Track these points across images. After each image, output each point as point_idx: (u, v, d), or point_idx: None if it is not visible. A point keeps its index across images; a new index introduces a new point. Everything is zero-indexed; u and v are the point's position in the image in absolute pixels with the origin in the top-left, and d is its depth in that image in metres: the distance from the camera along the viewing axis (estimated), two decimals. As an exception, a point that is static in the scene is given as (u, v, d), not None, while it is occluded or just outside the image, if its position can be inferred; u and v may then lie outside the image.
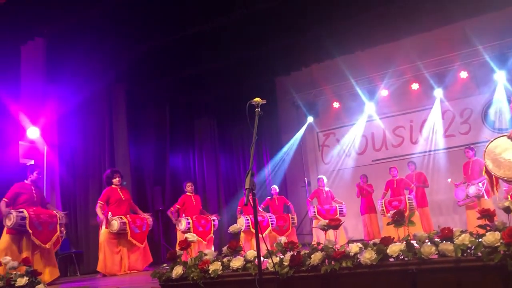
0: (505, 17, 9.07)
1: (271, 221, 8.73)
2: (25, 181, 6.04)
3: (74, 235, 7.80)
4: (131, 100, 9.15)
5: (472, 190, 7.80)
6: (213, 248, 7.39)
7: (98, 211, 6.78)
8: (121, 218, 6.72)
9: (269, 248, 3.48)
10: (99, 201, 6.87)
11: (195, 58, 8.95)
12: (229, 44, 8.57)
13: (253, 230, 8.01)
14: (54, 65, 8.06)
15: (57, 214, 6.06)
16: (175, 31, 7.95)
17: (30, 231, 5.60)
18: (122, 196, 7.02)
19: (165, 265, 3.98)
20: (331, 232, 3.98)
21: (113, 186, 7.05)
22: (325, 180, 9.84)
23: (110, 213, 6.74)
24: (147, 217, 7.20)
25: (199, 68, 9.27)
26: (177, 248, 3.99)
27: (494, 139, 3.93)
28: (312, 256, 3.30)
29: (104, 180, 7.13)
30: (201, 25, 7.82)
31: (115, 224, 6.64)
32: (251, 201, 2.93)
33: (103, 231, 6.79)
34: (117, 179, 7.10)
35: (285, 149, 12.11)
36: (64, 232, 6.89)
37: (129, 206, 7.15)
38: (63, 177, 8.08)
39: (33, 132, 7.69)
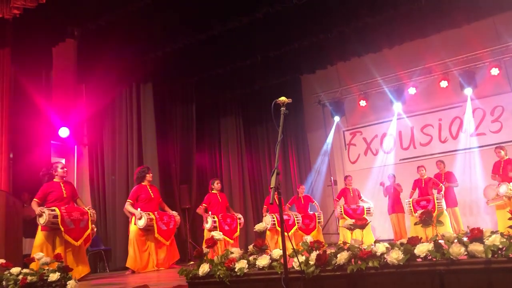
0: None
1: (297, 220, 8.73)
2: (54, 179, 6.17)
3: (103, 232, 7.97)
4: (158, 99, 9.28)
5: (502, 189, 7.62)
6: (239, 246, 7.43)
7: (130, 208, 6.90)
8: (148, 214, 6.82)
9: (295, 247, 3.48)
10: (128, 200, 6.99)
11: (221, 57, 9.01)
12: (254, 42, 8.60)
13: (279, 229, 8.02)
14: (84, 66, 8.26)
15: (88, 211, 6.19)
16: (202, 31, 8.02)
17: (62, 228, 5.75)
18: (152, 194, 7.12)
19: (192, 262, 4.03)
20: (358, 231, 3.96)
21: (143, 183, 7.15)
22: (352, 179, 9.76)
23: (139, 209, 6.84)
24: (175, 215, 7.29)
25: (225, 67, 9.34)
26: (204, 246, 4.03)
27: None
28: (338, 255, 3.29)
29: (136, 176, 7.23)
30: (227, 24, 7.87)
31: (143, 220, 6.74)
32: (276, 200, 2.94)
33: (132, 227, 6.91)
34: (151, 175, 7.22)
35: (316, 154, 12.06)
36: (95, 229, 7.07)
37: (158, 204, 7.24)
38: (92, 176, 8.26)
39: (64, 132, 7.90)
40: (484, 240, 2.90)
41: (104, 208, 8.14)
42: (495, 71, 9.82)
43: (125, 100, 8.65)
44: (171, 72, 9.36)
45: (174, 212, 7.39)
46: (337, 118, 11.92)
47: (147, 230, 6.87)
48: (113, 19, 7.47)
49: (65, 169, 6.32)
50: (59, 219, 5.75)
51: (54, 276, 4.11)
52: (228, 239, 7.49)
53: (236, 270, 3.60)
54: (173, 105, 9.83)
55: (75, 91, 8.38)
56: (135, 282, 5.41)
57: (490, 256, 2.79)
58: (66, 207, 5.94)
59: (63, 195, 6.09)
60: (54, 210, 5.77)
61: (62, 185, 6.19)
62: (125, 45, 7.96)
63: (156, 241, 6.93)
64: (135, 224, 6.85)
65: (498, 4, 7.56)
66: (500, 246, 2.81)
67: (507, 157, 7.93)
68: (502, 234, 2.91)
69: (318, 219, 9.26)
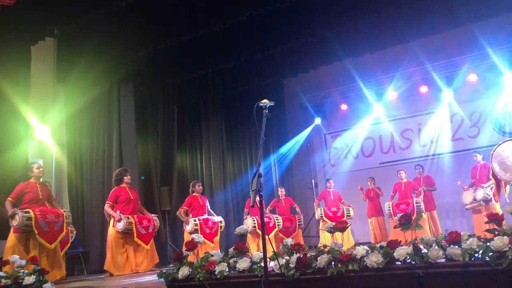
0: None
1: (277, 222, 8.73)
2: (30, 179, 6.05)
3: (81, 234, 7.84)
4: (140, 100, 9.19)
5: (479, 194, 7.76)
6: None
7: (109, 211, 6.81)
8: (127, 217, 6.74)
9: (276, 249, 3.48)
10: (108, 202, 6.90)
11: (204, 59, 8.97)
12: (237, 45, 8.59)
13: (260, 231, 8.01)
14: (64, 65, 8.13)
15: (63, 213, 6.08)
16: (185, 32, 7.98)
17: (36, 231, 5.62)
18: (131, 196, 7.04)
19: (171, 265, 4.00)
20: (338, 234, 3.97)
21: (122, 185, 7.07)
22: (333, 182, 9.81)
23: (118, 211, 6.76)
24: (154, 218, 7.22)
25: (207, 69, 9.29)
26: (184, 249, 4.00)
27: (502, 142, 3.92)
28: (318, 258, 3.29)
29: (114, 178, 7.15)
30: (211, 26, 7.84)
31: (122, 223, 6.66)
32: (257, 203, 2.94)
33: (110, 230, 6.82)
34: (129, 177, 7.14)
35: (289, 144, 12.08)
36: (75, 231, 6.96)
37: (137, 205, 7.18)
38: (71, 177, 8.13)
39: (42, 132, 7.75)
40: (461, 244, 2.94)
41: (82, 210, 8.01)
42: (473, 77, 10.02)
43: (105, 100, 8.54)
44: (152, 73, 9.28)
45: (153, 215, 7.32)
46: (317, 120, 12.00)
47: (125, 233, 6.78)
48: (94, 18, 7.37)
49: (42, 169, 6.19)
50: (33, 221, 5.61)
51: (29, 279, 4.03)
52: (208, 242, 7.45)
53: (216, 273, 3.58)
54: (154, 106, 9.75)
55: (54, 90, 8.24)
56: (113, 285, 5.35)
57: (467, 259, 2.84)
58: (40, 209, 5.80)
59: (38, 196, 5.97)
60: (28, 212, 5.63)
61: (38, 185, 6.06)
62: (106, 45, 7.86)
63: (135, 244, 6.85)
64: (113, 226, 6.76)
65: (477, 12, 7.70)
66: (477, 250, 2.86)
67: (484, 161, 8.08)
68: (479, 238, 2.96)
69: (299, 221, 9.28)
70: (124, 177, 7.09)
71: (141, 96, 9.29)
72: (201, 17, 7.74)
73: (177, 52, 8.75)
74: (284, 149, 12.07)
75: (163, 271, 3.91)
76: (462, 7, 7.61)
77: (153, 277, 5.07)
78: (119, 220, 6.68)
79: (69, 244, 6.50)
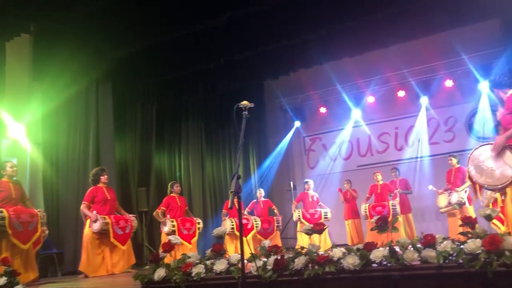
0: (488, 28, 9.22)
1: (255, 224, 8.73)
2: (3, 178, 5.91)
3: (55, 235, 7.68)
4: (118, 99, 9.07)
5: (454, 197, 7.90)
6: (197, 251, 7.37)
7: (85, 211, 6.71)
8: (104, 218, 6.65)
9: (253, 251, 3.48)
10: (84, 202, 6.79)
11: (184, 60, 8.91)
12: (217, 46, 8.57)
13: (238, 233, 8.00)
14: (40, 63, 7.96)
15: (38, 213, 5.96)
16: (165, 32, 7.92)
17: (10, 231, 5.49)
18: (108, 196, 6.96)
19: (147, 267, 3.96)
20: (315, 236, 3.99)
21: (99, 185, 6.98)
22: (312, 184, 9.86)
23: (94, 212, 6.67)
24: (132, 219, 7.14)
25: (187, 70, 9.24)
26: (161, 250, 3.97)
27: (479, 146, 3.99)
28: (295, 260, 3.31)
29: (91, 178, 7.05)
30: (191, 26, 7.81)
31: (98, 223, 6.57)
32: (236, 204, 2.93)
33: (86, 230, 6.71)
34: (105, 176, 7.05)
35: (274, 154, 12.15)
36: (47, 231, 6.82)
37: (114, 206, 7.10)
38: (46, 176, 7.97)
39: (17, 130, 7.59)
40: (436, 246, 2.99)
41: (57, 210, 7.85)
42: (449, 83, 10.23)
43: (83, 99, 8.40)
44: (131, 72, 9.17)
45: (131, 215, 7.24)
46: (297, 123, 12.09)
47: (102, 234, 6.69)
48: (72, 15, 7.25)
49: (15, 169, 6.05)
50: (6, 222, 5.47)
51: (0, 281, 3.93)
52: (186, 243, 7.40)
53: (193, 275, 3.56)
54: (133, 106, 9.64)
55: (30, 88, 8.06)
56: (87, 286, 5.26)
57: (441, 261, 2.88)
58: (14, 209, 5.67)
59: (11, 195, 5.84)
60: (1, 212, 5.50)
61: (11, 185, 5.93)
62: (84, 43, 7.73)
63: (111, 245, 6.76)
64: (89, 227, 6.66)
65: (454, 19, 7.86)
66: (451, 252, 2.91)
67: (458, 165, 8.24)
68: (453, 240, 3.02)
69: (277, 223, 9.30)
70: (101, 177, 7.01)
71: (119, 96, 9.17)
72: (181, 17, 7.69)
73: (157, 52, 8.67)
74: (268, 161, 12.10)
75: (139, 272, 3.87)
76: (438, 15, 7.77)
77: (129, 279, 5.01)
78: (95, 221, 6.59)
79: (41, 244, 6.36)
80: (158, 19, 7.73)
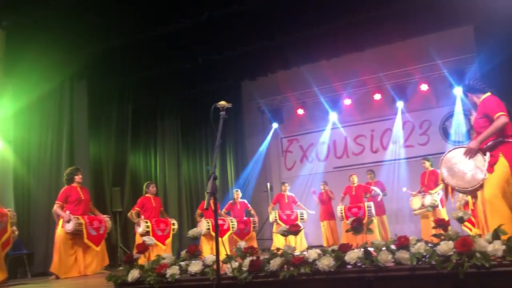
0: (462, 34, 9.43)
1: (231, 225, 8.70)
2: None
3: (26, 235, 7.49)
4: (93, 97, 8.91)
5: (427, 200, 8.03)
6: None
7: (58, 211, 6.57)
8: (77, 218, 6.52)
9: (229, 252, 3.46)
10: (57, 202, 6.65)
11: (161, 58, 8.83)
12: (196, 46, 8.52)
13: (214, 234, 7.95)
14: (13, 57, 7.75)
15: (8, 213, 5.81)
16: (142, 30, 7.83)
17: (-22, 231, 5.34)
18: (82, 196, 6.83)
19: (121, 268, 3.90)
20: (291, 237, 4.00)
21: (73, 184, 6.85)
22: (288, 185, 9.89)
23: (68, 212, 6.54)
24: (106, 219, 7.03)
25: (165, 69, 9.15)
26: (135, 251, 3.91)
27: (452, 149, 4.06)
28: (271, 261, 3.30)
29: (65, 177, 6.90)
30: (169, 25, 7.74)
31: (71, 224, 6.44)
32: (212, 205, 2.91)
33: (59, 230, 6.57)
34: (80, 176, 6.92)
35: (255, 157, 12.16)
36: (17, 232, 6.64)
37: (88, 206, 6.98)
38: (17, 174, 7.77)
39: (-13, 127, 7.38)
40: (409, 248, 3.02)
41: (28, 209, 7.66)
42: (424, 87, 10.42)
43: (57, 96, 8.22)
44: (107, 70, 9.02)
45: (105, 216, 7.13)
46: (275, 125, 12.12)
47: (75, 234, 6.56)
48: (47, 11, 7.09)
49: None
50: (-25, 222, 5.33)
51: (-33, 283, 3.80)
52: (160, 244, 7.33)
53: (167, 276, 3.52)
54: (108, 104, 9.48)
55: (1, 84, 7.85)
56: (59, 288, 5.15)
57: (415, 263, 2.92)
58: (-17, 209, 5.52)
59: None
60: (-30, 212, 5.35)
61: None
62: (59, 39, 7.57)
63: (84, 245, 6.64)
64: (62, 227, 6.52)
65: (430, 25, 8.02)
66: (424, 254, 2.95)
67: (432, 168, 8.38)
68: (426, 242, 3.06)
69: (253, 224, 9.29)
70: (75, 177, 6.88)
71: (95, 93, 9.01)
72: (159, 15, 7.62)
73: (134, 50, 8.57)
74: (249, 167, 12.12)
75: (113, 273, 3.80)
76: (413, 20, 7.90)
77: (102, 280, 4.92)
78: (69, 221, 6.46)
79: (10, 245, 6.19)
80: (136, 16, 7.64)
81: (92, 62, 8.44)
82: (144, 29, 7.81)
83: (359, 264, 3.08)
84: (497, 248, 2.78)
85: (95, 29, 7.70)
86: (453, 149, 4.05)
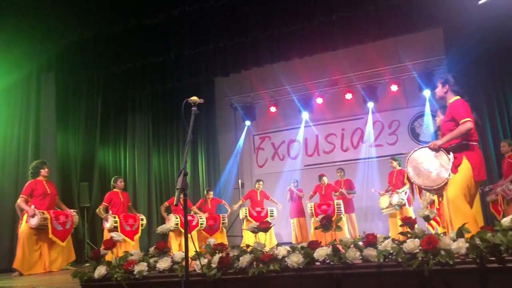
0: (432, 37, 9.65)
1: (201, 221, 8.66)
2: None
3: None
4: (62, 90, 8.70)
5: (395, 199, 8.19)
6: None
7: (23, 205, 6.39)
8: (42, 213, 6.36)
9: (198, 249, 3.44)
10: (22, 196, 6.47)
11: (133, 52, 8.67)
12: (168, 40, 8.40)
13: (182, 230, 7.90)
14: (-23, 47, 7.50)
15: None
16: (114, 22, 7.68)
17: None
18: (48, 190, 6.67)
19: (87, 264, 3.82)
20: (261, 234, 4.00)
21: (39, 178, 6.68)
22: (262, 183, 9.89)
23: (32, 206, 6.37)
24: (73, 214, 6.88)
25: (136, 62, 8.99)
26: (102, 247, 3.84)
27: (418, 149, 4.14)
28: (240, 258, 3.30)
29: (31, 171, 6.73)
30: (142, 19, 7.61)
31: (36, 218, 6.28)
32: (181, 201, 2.88)
33: (23, 226, 6.39)
34: (46, 169, 6.75)
35: (225, 157, 12.15)
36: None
37: (54, 200, 6.82)
38: (-21, 168, 7.53)
39: None
40: (377, 245, 3.07)
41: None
42: (394, 88, 10.62)
43: (24, 88, 7.99)
44: (77, 62, 8.81)
45: (72, 210, 6.98)
46: (247, 122, 12.12)
47: (40, 230, 6.40)
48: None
49: None
50: None
51: None
52: (128, 240, 7.23)
53: (135, 272, 3.47)
54: (77, 97, 9.26)
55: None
56: (22, 285, 5.02)
57: (382, 260, 2.97)
58: None
59: None
60: None
61: None
62: (27, 28, 7.36)
63: (49, 241, 6.48)
64: (26, 222, 6.35)
65: (400, 26, 8.15)
66: (391, 251, 3.00)
67: (400, 167, 8.55)
68: (393, 240, 3.11)
69: (223, 219, 9.26)
70: (41, 170, 6.71)
71: (63, 86, 8.80)
72: (133, 8, 7.50)
73: (106, 43, 8.41)
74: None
75: (78, 270, 3.72)
76: (385, 21, 8.02)
77: (67, 276, 4.82)
78: (33, 216, 6.29)
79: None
80: (107, 8, 7.50)
81: (61, 54, 8.25)
82: (117, 22, 7.66)
83: (327, 261, 3.11)
84: (460, 246, 2.86)
85: (66, 21, 7.52)
86: (418, 148, 4.13)
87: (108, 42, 8.40)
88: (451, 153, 3.89)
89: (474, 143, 3.92)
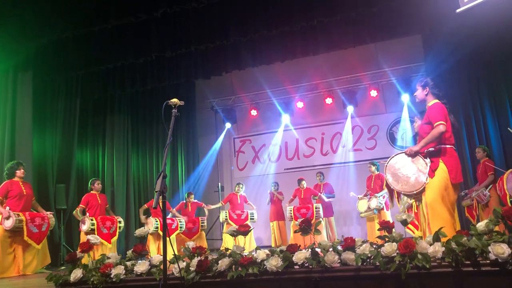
0: (411, 43, 9.81)
1: (180, 224, 8.60)
2: None
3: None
4: (39, 89, 8.53)
5: (373, 203, 8.27)
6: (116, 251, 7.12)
7: None
8: (18, 215, 6.23)
9: (177, 252, 3.41)
10: (-3, 196, 6.34)
11: (112, 52, 8.57)
12: (149, 41, 8.34)
13: (161, 233, 7.83)
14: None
15: None
16: (94, 23, 7.58)
17: None
18: (24, 191, 6.54)
19: (63, 267, 3.75)
20: (240, 237, 3.99)
21: (14, 179, 6.54)
22: (242, 186, 9.88)
23: (7, 208, 6.23)
24: (49, 216, 6.75)
25: (116, 63, 8.89)
26: (78, 250, 3.77)
27: (395, 155, 4.19)
28: (219, 261, 3.28)
29: (6, 172, 6.59)
30: (122, 19, 7.54)
31: (10, 220, 6.14)
32: (160, 204, 2.85)
33: (-4, 227, 6.26)
34: (22, 171, 6.61)
35: (207, 157, 12.09)
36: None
37: (30, 202, 6.68)
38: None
39: None
40: (355, 249, 3.10)
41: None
42: (373, 93, 10.75)
43: (-1, 87, 7.83)
44: (55, 61, 8.67)
45: (48, 213, 6.85)
46: (228, 125, 12.11)
47: (14, 232, 6.26)
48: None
49: None
50: None
51: None
52: (106, 243, 7.13)
53: (112, 276, 3.42)
54: (55, 97, 9.10)
55: None
56: (-5, 289, 4.90)
57: (360, 263, 2.99)
58: None
59: None
60: None
61: None
62: (2, 25, 7.20)
63: (24, 243, 6.34)
64: (1, 224, 6.20)
65: (380, 33, 8.26)
66: (369, 255, 3.02)
67: (378, 172, 8.65)
68: (371, 244, 3.14)
69: (202, 222, 9.21)
70: (17, 171, 6.58)
71: (40, 85, 8.64)
72: (113, 9, 7.42)
73: (85, 43, 8.30)
74: (200, 165, 12.03)
75: (54, 273, 3.65)
76: (364, 27, 8.13)
77: (42, 280, 4.72)
78: (8, 217, 6.15)
79: None
80: (88, 7, 7.39)
81: (39, 53, 8.11)
82: (97, 21, 7.56)
83: (306, 264, 3.12)
84: (437, 249, 2.90)
85: (44, 19, 7.39)
86: (396, 155, 4.18)
87: (87, 41, 8.29)
88: (428, 158, 3.95)
89: (450, 147, 3.99)
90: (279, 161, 11.96)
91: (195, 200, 9.70)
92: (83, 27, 7.64)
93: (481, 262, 2.79)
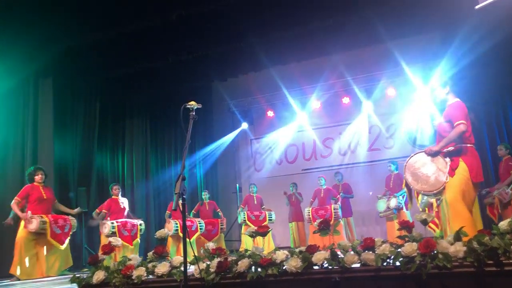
0: (429, 41, 9.69)
1: (200, 226, 8.66)
2: None
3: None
4: (60, 95, 8.69)
5: (392, 202, 8.20)
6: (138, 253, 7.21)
7: (14, 207, 6.40)
8: (41, 217, 6.38)
9: (197, 254, 3.44)
10: (16, 198, 6.49)
11: (131, 57, 8.70)
12: (166, 45, 8.43)
13: (181, 235, 7.89)
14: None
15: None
16: (112, 27, 7.70)
17: None
18: (44, 195, 6.68)
19: (86, 269, 3.81)
20: (259, 238, 4.01)
21: (35, 183, 6.68)
22: (256, 187, 9.91)
23: (29, 212, 6.37)
24: (71, 218, 6.89)
25: (134, 67, 9.02)
26: (100, 252, 3.83)
27: (414, 154, 4.16)
28: (239, 262, 3.30)
29: (27, 177, 6.77)
30: (139, 23, 7.63)
31: (34, 222, 6.28)
32: (180, 206, 2.88)
33: (20, 231, 6.40)
34: (39, 176, 6.75)
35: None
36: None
37: (50, 205, 6.83)
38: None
39: None
40: (375, 249, 3.08)
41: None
42: (391, 92, 10.62)
43: (21, 93, 7.99)
44: (75, 67, 8.82)
45: (75, 210, 6.99)
46: (244, 124, 12.12)
47: (38, 234, 6.40)
48: (14, 5, 6.86)
49: None
50: None
51: None
52: (127, 245, 7.22)
53: (133, 277, 3.47)
54: (75, 102, 9.27)
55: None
56: (20, 291, 5.00)
57: (380, 264, 2.97)
58: None
59: None
60: None
61: None
62: (24, 33, 7.35)
63: (48, 245, 6.48)
64: (24, 227, 6.35)
65: (394, 31, 8.20)
66: (389, 255, 3.00)
67: (397, 171, 8.57)
68: (391, 244, 3.12)
69: (221, 225, 9.26)
70: (35, 177, 6.75)
71: (61, 91, 8.79)
72: (129, 13, 7.51)
73: (103, 48, 8.42)
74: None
75: (76, 275, 3.71)
76: (380, 26, 8.07)
77: (65, 282, 4.81)
78: (31, 220, 6.30)
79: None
80: (105, 13, 7.50)
81: (59, 59, 8.24)
82: (114, 27, 7.68)
83: (325, 265, 3.11)
84: (458, 249, 2.86)
85: (63, 26, 7.52)
86: (415, 154, 4.15)
87: (106, 47, 8.40)
88: (447, 157, 3.91)
89: (471, 146, 3.94)
90: (297, 162, 11.93)
91: (212, 201, 9.74)
92: (101, 32, 7.75)
93: (504, 262, 2.75)
